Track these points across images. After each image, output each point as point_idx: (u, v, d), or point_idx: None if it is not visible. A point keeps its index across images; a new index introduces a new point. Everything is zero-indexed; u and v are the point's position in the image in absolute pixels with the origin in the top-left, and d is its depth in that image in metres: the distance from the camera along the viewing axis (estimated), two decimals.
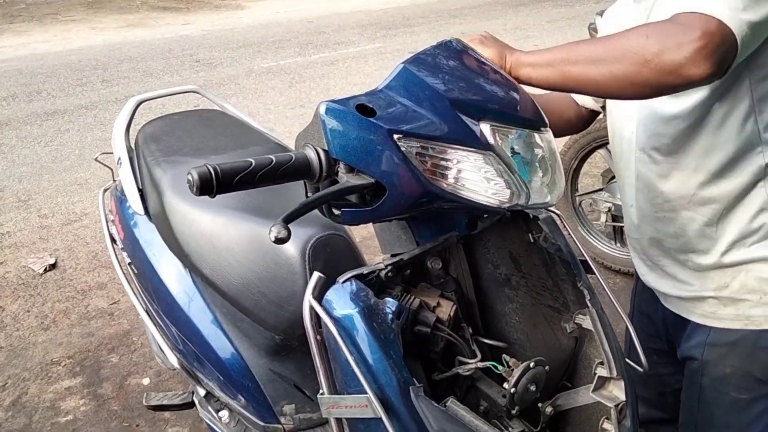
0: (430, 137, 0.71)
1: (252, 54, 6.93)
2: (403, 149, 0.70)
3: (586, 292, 0.94)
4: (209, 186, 0.66)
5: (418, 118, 0.72)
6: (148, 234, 1.57)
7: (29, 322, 2.49)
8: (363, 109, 0.71)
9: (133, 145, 1.71)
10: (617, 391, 0.87)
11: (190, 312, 1.46)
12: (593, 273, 1.00)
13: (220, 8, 10.51)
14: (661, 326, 1.22)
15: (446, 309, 0.86)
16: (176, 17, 9.56)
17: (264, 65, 6.40)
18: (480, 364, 0.84)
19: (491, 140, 0.75)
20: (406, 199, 0.72)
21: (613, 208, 2.55)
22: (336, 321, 0.76)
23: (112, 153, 1.76)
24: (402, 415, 0.74)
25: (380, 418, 0.71)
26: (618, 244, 2.68)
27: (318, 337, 0.78)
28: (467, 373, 0.87)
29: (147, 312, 1.58)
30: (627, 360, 0.96)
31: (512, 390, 0.81)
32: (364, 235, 3.00)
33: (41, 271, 2.81)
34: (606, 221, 2.58)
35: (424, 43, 0.86)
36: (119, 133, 1.72)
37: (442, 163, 0.73)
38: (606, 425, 0.88)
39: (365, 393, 0.72)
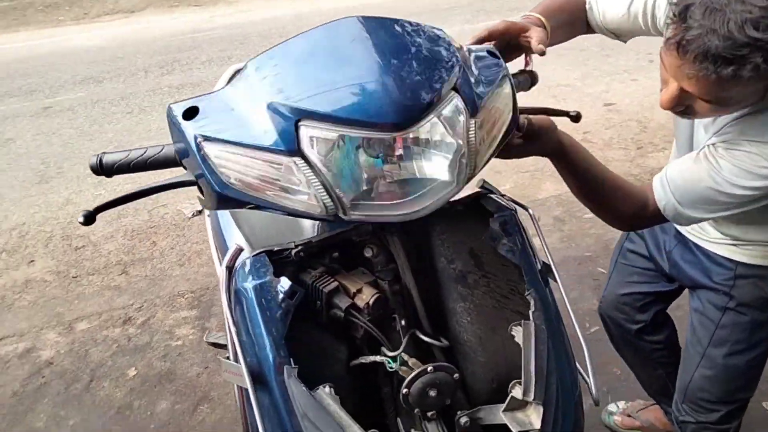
0: (231, 142, 0.72)
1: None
2: (203, 152, 0.73)
3: (532, 302, 0.85)
4: (96, 171, 0.80)
5: (233, 121, 0.73)
6: None
7: (171, 258, 2.92)
8: (192, 110, 0.75)
9: None
10: (533, 417, 0.78)
11: None
12: (555, 280, 0.89)
13: None
14: (661, 261, 1.40)
15: (366, 296, 0.85)
16: None
17: None
18: (371, 359, 0.82)
19: (305, 144, 0.70)
20: (221, 199, 0.75)
21: None
22: (237, 291, 0.80)
23: None
24: (274, 391, 0.76)
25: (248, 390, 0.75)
26: None
27: (227, 310, 0.83)
28: (390, 367, 0.85)
29: (219, 263, 1.77)
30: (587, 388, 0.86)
31: (404, 391, 0.78)
32: None
33: (190, 215, 3.24)
34: None
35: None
36: None
37: (246, 166, 0.72)
38: None
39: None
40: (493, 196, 0.95)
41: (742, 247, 1.19)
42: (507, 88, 0.85)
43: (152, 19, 8.99)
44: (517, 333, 0.83)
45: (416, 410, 0.80)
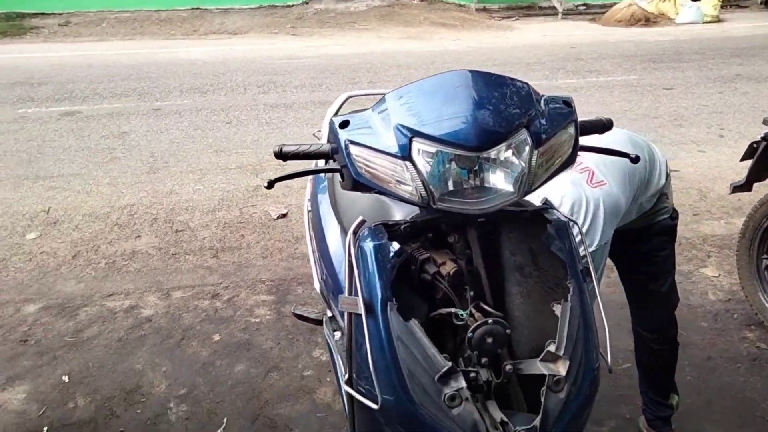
0: (368, 146, 1.08)
1: (503, 72, 7.35)
2: (348, 150, 1.09)
3: (571, 288, 1.14)
4: (277, 156, 1.19)
5: (370, 133, 1.10)
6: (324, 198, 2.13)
7: (256, 250, 3.33)
8: (345, 122, 1.12)
9: None
10: (561, 367, 1.07)
11: (332, 255, 1.96)
12: (591, 278, 1.19)
13: (491, 28, 11.17)
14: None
15: (448, 268, 1.17)
16: (449, 33, 10.50)
17: None
18: (445, 310, 1.14)
19: (414, 153, 1.05)
20: (356, 183, 1.10)
21: None
22: (359, 248, 1.14)
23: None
24: (378, 318, 1.08)
25: (362, 315, 1.08)
26: None
27: (352, 259, 1.17)
28: (461, 318, 1.16)
29: (312, 251, 2.13)
30: (600, 357, 1.14)
31: (469, 335, 1.09)
32: None
33: (275, 217, 3.67)
34: None
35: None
36: (328, 119, 2.31)
37: (374, 163, 1.08)
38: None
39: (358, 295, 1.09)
40: (552, 210, 1.25)
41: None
42: (570, 131, 1.17)
43: (253, 42, 9.81)
44: (557, 308, 1.13)
45: (474, 353, 1.10)
